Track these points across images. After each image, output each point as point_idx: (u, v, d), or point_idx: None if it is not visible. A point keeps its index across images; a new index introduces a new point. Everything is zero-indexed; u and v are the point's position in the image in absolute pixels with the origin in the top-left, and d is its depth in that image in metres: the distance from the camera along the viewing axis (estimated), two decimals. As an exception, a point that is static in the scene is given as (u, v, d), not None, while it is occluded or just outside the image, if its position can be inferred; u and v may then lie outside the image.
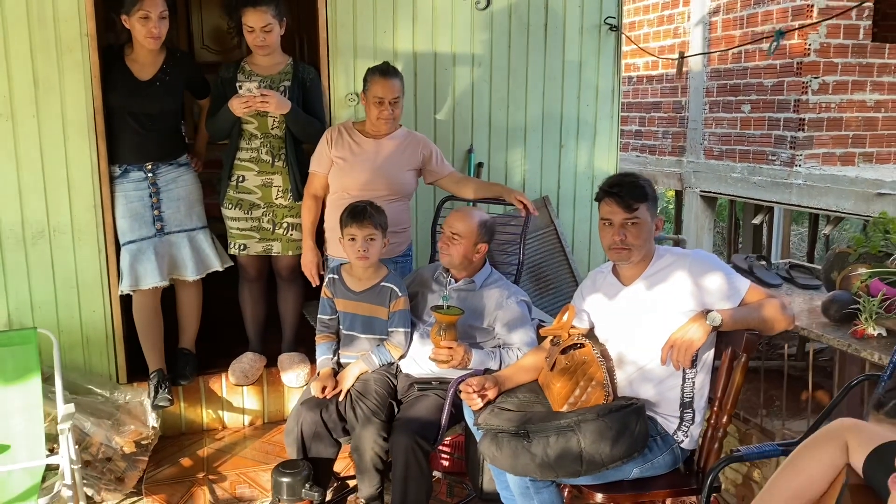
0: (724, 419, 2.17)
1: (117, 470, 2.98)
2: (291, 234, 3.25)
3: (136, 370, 3.27)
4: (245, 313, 3.44)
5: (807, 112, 4.89)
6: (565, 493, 2.26)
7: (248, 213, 3.23)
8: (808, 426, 2.26)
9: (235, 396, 3.45)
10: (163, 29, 2.97)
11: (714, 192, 5.77)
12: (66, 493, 2.46)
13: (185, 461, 3.18)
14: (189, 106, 4.39)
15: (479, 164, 3.68)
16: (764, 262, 3.18)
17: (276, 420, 3.50)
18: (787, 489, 1.17)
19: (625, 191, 2.18)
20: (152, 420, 3.10)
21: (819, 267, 3.06)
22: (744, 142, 5.42)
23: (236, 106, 3.01)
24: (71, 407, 2.60)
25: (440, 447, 3.01)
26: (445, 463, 3.09)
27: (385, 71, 2.93)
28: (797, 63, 4.87)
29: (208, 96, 3.30)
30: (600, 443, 2.01)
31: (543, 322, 2.95)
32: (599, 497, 2.14)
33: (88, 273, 3.15)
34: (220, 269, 3.25)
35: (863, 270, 2.36)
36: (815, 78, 4.84)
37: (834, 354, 2.86)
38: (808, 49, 4.81)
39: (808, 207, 4.91)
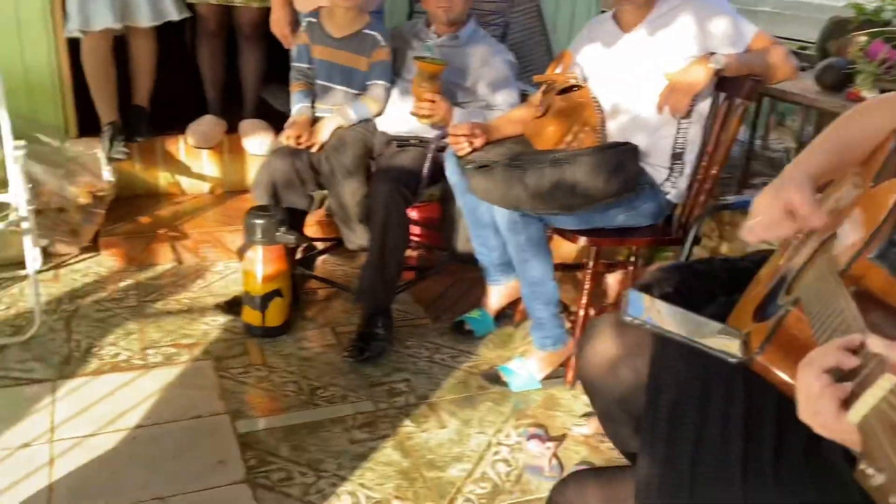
0: (714, 170, 2.15)
1: (72, 222, 2.84)
2: (256, -17, 2.97)
3: (88, 126, 3.02)
4: (204, 73, 3.20)
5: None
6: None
7: (209, -45, 2.92)
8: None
9: (194, 161, 3.27)
10: None
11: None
12: (24, 225, 2.31)
13: (144, 219, 3.05)
14: None
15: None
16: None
17: (237, 190, 3.35)
18: (843, 138, 1.12)
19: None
20: (107, 174, 2.91)
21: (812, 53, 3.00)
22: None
23: None
24: (21, 143, 2.40)
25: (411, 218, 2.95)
26: (416, 239, 3.05)
27: None
28: None
29: None
30: (596, 176, 1.97)
31: (526, 91, 2.84)
32: (583, 240, 2.13)
33: (30, 9, 2.83)
34: (177, 19, 2.96)
35: (863, 38, 2.31)
36: None
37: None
38: None
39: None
